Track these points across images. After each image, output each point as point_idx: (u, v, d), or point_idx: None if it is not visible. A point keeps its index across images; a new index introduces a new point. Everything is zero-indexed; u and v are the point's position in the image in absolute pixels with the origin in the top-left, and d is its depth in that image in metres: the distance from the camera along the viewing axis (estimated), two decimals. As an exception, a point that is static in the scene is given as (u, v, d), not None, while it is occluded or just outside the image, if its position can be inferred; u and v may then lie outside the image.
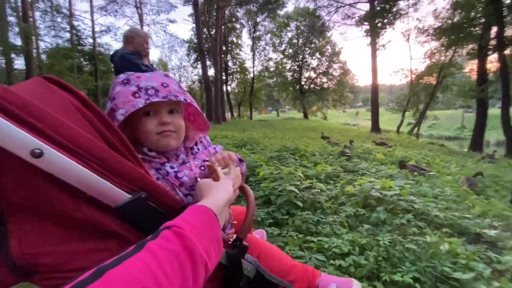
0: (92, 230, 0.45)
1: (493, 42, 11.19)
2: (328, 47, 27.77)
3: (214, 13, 17.44)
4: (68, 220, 0.43)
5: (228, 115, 28.37)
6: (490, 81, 11.97)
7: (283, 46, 28.38)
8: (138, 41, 2.39)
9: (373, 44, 15.57)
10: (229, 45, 25.93)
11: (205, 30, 19.59)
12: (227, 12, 21.50)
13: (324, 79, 28.92)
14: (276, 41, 28.31)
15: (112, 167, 0.46)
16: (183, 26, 39.04)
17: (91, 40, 20.14)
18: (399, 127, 18.86)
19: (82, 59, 20.68)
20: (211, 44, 16.64)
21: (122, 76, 0.73)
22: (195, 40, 21.84)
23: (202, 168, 0.82)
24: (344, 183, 2.84)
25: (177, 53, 34.73)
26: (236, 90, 31.01)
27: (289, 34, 27.99)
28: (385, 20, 14.42)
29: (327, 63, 28.19)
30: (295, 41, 27.66)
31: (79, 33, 19.76)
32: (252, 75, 29.06)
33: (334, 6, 18.57)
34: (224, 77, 24.66)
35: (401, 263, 1.48)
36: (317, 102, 29.58)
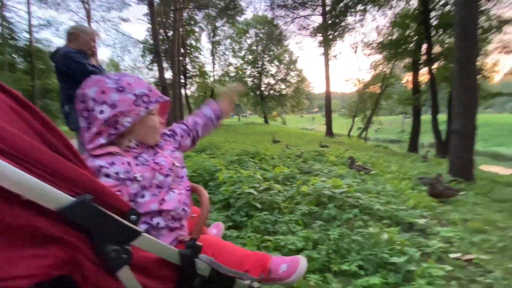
0: (30, 236, 0.43)
1: (424, 57, 12.93)
2: (286, 55, 29.01)
3: (172, 14, 16.91)
4: (3, 226, 0.40)
5: (187, 120, 27.56)
6: (422, 91, 13.80)
7: (243, 52, 28.81)
8: (84, 38, 2.21)
9: (326, 54, 16.73)
10: (188, 48, 25.34)
11: (161, 31, 18.88)
12: (185, 14, 21.05)
13: (283, 86, 30.04)
14: (236, 47, 28.60)
15: (52, 169, 0.45)
16: (138, 26, 36.85)
17: (27, 35, 17.86)
18: (350, 131, 20.54)
19: (15, 56, 18.17)
20: (168, 46, 16.07)
21: (109, 81, 0.80)
22: (151, 41, 20.86)
23: (173, 156, 0.94)
24: (300, 184, 2.99)
25: (130, 53, 32.49)
26: (196, 94, 30.35)
27: (249, 41, 28.55)
28: (336, 33, 15.65)
29: (285, 70, 29.38)
30: (254, 47, 28.28)
31: (11, 26, 17.36)
32: (212, 79, 28.81)
33: (290, 17, 19.52)
34: (183, 80, 23.97)
35: (348, 253, 1.63)
36: (276, 108, 30.55)
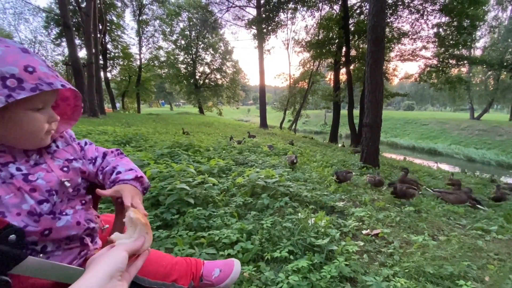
0: None
1: (343, 59, 14.62)
2: (221, 44, 28.44)
3: (85, -18, 14.29)
4: None
5: (108, 107, 24.35)
6: (341, 89, 15.67)
7: (175, 36, 26.85)
8: None
9: (260, 47, 17.13)
10: (108, 24, 22.05)
11: (72, 0, 15.84)
12: (103, -16, 18.18)
13: (218, 76, 29.51)
14: (166, 29, 26.38)
15: None
16: (38, -11, 30.01)
17: None
18: (281, 123, 21.86)
19: None
20: (81, 19, 13.58)
21: None
22: (57, 11, 17.29)
23: (65, 169, 0.67)
24: (235, 175, 2.99)
25: (28, 23, 26.25)
26: (119, 78, 26.88)
27: (181, 25, 26.77)
28: (269, 27, 16.15)
29: (221, 60, 28.86)
30: (187, 32, 26.72)
31: None
32: (139, 63, 25.99)
33: (225, 5, 19.14)
34: (102, 62, 20.85)
35: (280, 240, 1.70)
36: (212, 98, 29.89)
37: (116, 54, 24.62)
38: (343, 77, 16.37)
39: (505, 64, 12.03)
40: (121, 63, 25.40)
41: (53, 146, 0.69)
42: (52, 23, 21.21)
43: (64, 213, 0.63)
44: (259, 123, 17.67)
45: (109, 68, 24.40)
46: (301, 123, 29.83)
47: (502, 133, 19.74)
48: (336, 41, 14.80)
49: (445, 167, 12.06)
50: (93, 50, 12.44)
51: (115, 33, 23.76)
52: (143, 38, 25.74)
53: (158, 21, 25.90)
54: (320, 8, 15.73)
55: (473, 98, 28.62)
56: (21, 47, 0.58)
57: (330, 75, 20.23)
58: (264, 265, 1.48)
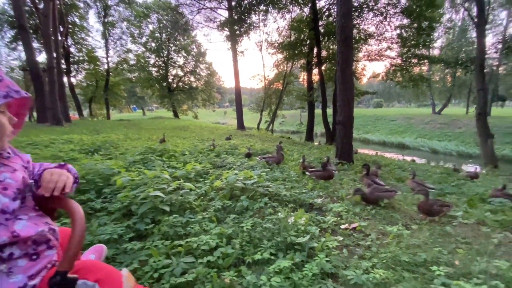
0: None
1: (315, 60, 15.01)
2: (194, 46, 27.93)
3: (42, -19, 13.29)
4: None
5: (74, 114, 22.88)
6: (315, 89, 16.08)
7: (144, 39, 25.91)
8: None
9: (234, 49, 17.05)
10: (70, 26, 20.70)
11: (28, 1, 14.69)
12: (63, -16, 17.05)
13: (192, 78, 28.92)
14: (135, 32, 25.37)
15: None
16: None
17: None
18: (258, 124, 21.95)
19: None
20: (39, 20, 12.59)
21: None
22: (11, 12, 15.92)
23: (25, 171, 0.73)
24: (213, 179, 2.91)
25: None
26: (85, 84, 25.35)
27: (151, 27, 25.89)
28: (242, 29, 16.15)
29: (194, 62, 28.32)
30: (157, 34, 25.90)
31: None
32: (106, 67, 24.71)
33: (196, 7, 18.84)
34: (65, 66, 19.52)
35: (261, 242, 1.67)
36: (187, 101, 29.24)
37: (81, 58, 23.18)
38: (315, 77, 16.82)
39: (460, 62, 13.07)
40: (86, 67, 23.94)
41: (5, 153, 0.69)
42: (5, 26, 19.47)
43: (19, 217, 0.63)
44: (236, 125, 17.58)
45: (73, 73, 22.89)
46: (278, 124, 30.17)
47: (460, 125, 21.50)
48: (308, 42, 15.17)
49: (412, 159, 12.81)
50: (54, 54, 11.57)
51: (79, 35, 22.37)
52: (109, 40, 24.53)
53: (125, 23, 24.85)
54: (291, 10, 16.04)
55: (433, 94, 30.91)
56: None
57: (303, 76, 20.70)
58: (246, 269, 1.44)
